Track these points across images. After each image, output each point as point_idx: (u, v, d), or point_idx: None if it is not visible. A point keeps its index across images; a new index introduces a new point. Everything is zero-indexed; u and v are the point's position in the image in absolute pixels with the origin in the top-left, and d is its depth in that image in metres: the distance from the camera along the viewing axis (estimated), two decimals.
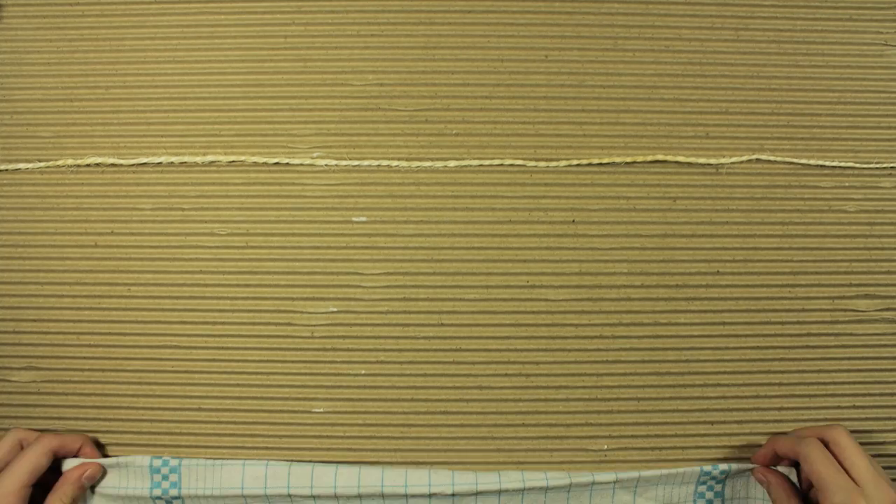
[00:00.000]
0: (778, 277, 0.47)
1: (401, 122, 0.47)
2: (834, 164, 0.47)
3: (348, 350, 0.46)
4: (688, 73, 0.47)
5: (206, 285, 0.46)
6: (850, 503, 0.39)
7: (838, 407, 0.47)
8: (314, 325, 0.46)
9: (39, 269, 0.47)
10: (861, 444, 0.46)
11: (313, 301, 0.46)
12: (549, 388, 0.46)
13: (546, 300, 0.46)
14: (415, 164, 0.47)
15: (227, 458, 0.45)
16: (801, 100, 0.47)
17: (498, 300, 0.46)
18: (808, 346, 0.47)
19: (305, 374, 0.46)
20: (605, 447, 0.46)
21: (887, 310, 0.47)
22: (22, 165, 0.47)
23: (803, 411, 0.46)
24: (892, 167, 0.47)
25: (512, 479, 0.44)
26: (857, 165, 0.47)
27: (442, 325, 0.46)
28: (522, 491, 0.44)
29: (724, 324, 0.47)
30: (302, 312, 0.46)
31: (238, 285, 0.46)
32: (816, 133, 0.47)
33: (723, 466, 0.45)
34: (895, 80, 0.48)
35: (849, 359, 0.47)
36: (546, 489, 0.44)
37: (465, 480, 0.44)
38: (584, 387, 0.46)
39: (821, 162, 0.47)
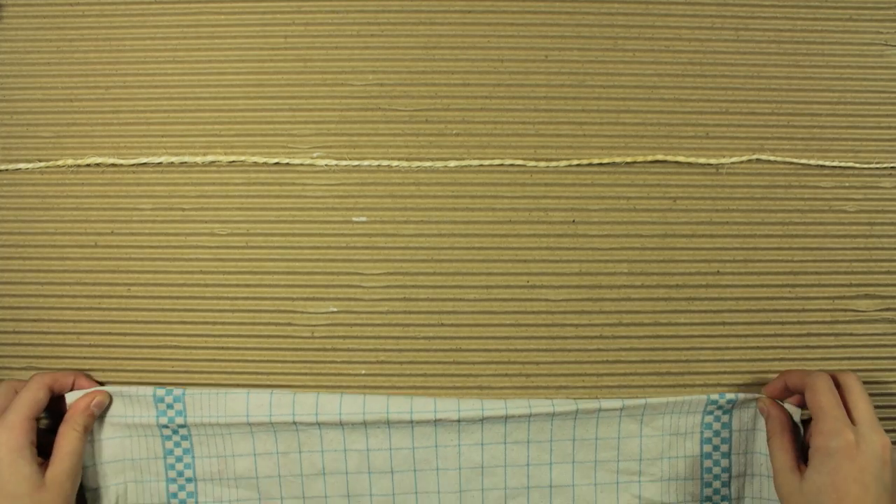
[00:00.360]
0: (778, 277, 0.47)
1: (401, 122, 0.47)
2: (834, 164, 0.47)
3: (348, 350, 0.46)
4: (688, 73, 0.47)
5: (206, 285, 0.46)
6: (839, 433, 0.39)
7: None
8: (314, 326, 0.46)
9: (39, 269, 0.47)
10: None
11: (313, 301, 0.46)
12: (549, 388, 0.46)
13: (546, 300, 0.46)
14: (415, 164, 0.47)
15: (231, 388, 0.45)
16: (801, 100, 0.47)
17: (498, 300, 0.46)
18: (808, 346, 0.47)
19: (305, 374, 0.46)
20: None
21: (887, 310, 0.47)
22: (22, 165, 0.47)
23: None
24: (892, 167, 0.47)
25: (518, 405, 0.44)
26: (857, 165, 0.47)
27: (442, 325, 0.46)
28: (529, 417, 0.44)
29: (724, 324, 0.47)
30: (302, 312, 0.46)
31: (238, 285, 0.46)
32: (816, 133, 0.47)
33: (730, 395, 0.45)
34: (895, 80, 0.48)
35: (849, 359, 0.47)
36: (552, 415, 0.44)
37: (470, 406, 0.44)
38: (584, 387, 0.46)
39: (821, 162, 0.47)
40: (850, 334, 0.47)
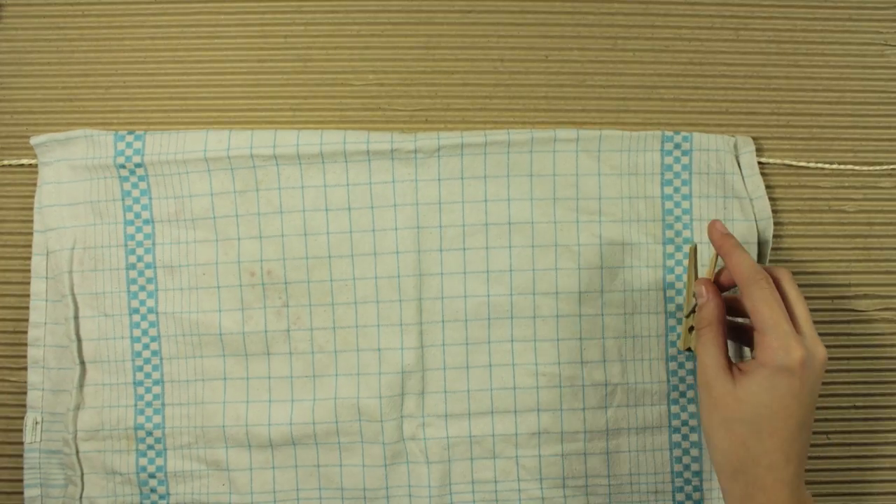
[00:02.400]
0: None
1: (401, 122, 0.47)
2: (833, 164, 0.47)
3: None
4: (688, 72, 0.47)
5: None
6: (787, 351, 0.36)
7: (838, 407, 0.47)
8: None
9: None
10: (860, 444, 0.47)
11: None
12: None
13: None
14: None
15: (191, 129, 0.46)
16: (801, 100, 0.47)
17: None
18: None
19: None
20: None
21: (886, 309, 0.47)
22: (25, 161, 0.47)
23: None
24: (891, 167, 0.47)
25: (474, 135, 0.44)
26: (857, 166, 0.47)
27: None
28: (484, 146, 0.45)
29: None
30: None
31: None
32: (816, 133, 0.47)
33: (685, 133, 0.45)
34: (895, 80, 0.48)
35: (848, 358, 0.47)
36: (508, 145, 0.44)
37: (426, 136, 0.44)
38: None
39: (820, 163, 0.47)
40: (850, 334, 0.47)
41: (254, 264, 0.44)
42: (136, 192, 0.45)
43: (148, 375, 0.45)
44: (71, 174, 0.45)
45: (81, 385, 0.45)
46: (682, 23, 0.48)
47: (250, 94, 0.47)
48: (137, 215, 0.45)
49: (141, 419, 0.45)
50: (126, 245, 0.45)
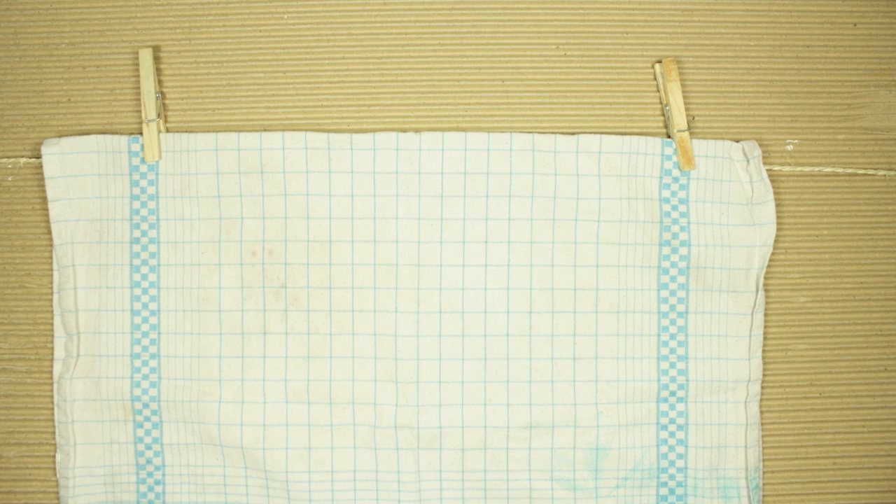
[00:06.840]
0: (778, 280, 0.47)
1: (401, 122, 0.47)
2: (835, 167, 0.47)
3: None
4: (688, 73, 0.47)
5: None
6: None
7: (838, 407, 0.47)
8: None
9: None
10: (860, 444, 0.47)
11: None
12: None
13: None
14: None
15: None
16: (802, 100, 0.47)
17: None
18: (809, 347, 0.47)
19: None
20: None
21: (886, 310, 0.47)
22: (24, 160, 0.47)
23: (804, 412, 0.47)
24: (892, 168, 0.47)
25: (477, 137, 0.45)
26: (858, 168, 0.47)
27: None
28: (487, 150, 0.46)
29: None
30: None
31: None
32: (819, 136, 0.47)
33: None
34: (895, 84, 0.48)
35: (849, 360, 0.47)
36: (510, 144, 0.46)
37: (432, 138, 0.46)
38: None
39: (821, 163, 0.47)
40: (850, 334, 0.47)
41: (256, 244, 0.45)
42: (143, 168, 0.46)
43: (145, 349, 0.46)
44: (80, 167, 0.46)
45: (77, 355, 0.45)
46: (682, 23, 0.48)
47: (250, 94, 0.47)
48: (143, 190, 0.46)
49: (137, 391, 0.46)
50: (131, 219, 0.46)
